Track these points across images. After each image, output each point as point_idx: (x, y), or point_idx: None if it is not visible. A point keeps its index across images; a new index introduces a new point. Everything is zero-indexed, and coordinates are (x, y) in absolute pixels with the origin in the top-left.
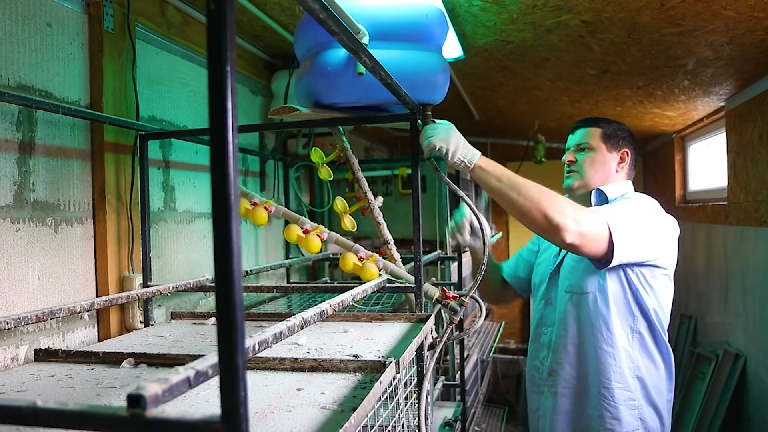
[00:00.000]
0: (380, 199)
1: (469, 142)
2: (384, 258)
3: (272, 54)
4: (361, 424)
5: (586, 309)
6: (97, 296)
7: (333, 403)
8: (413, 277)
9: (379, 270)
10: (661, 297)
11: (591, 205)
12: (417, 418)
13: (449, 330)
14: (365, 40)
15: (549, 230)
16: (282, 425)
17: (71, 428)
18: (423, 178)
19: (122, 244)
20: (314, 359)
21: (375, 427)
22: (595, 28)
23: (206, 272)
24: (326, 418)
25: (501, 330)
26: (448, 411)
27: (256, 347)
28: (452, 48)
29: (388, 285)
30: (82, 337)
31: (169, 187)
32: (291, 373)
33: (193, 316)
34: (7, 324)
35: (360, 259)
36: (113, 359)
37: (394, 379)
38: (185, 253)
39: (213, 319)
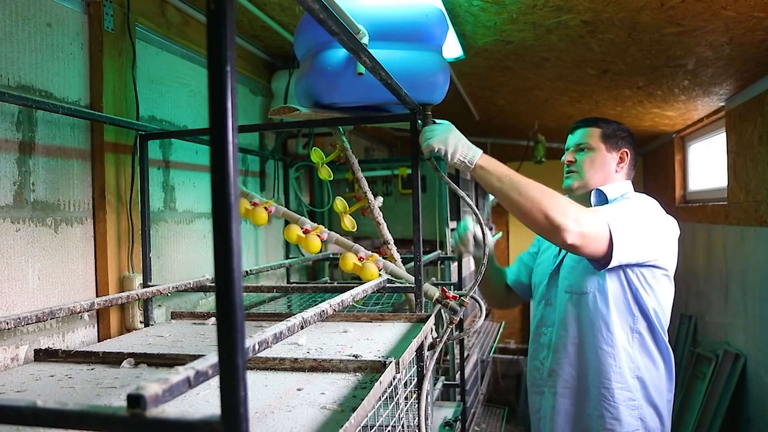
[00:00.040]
0: (380, 199)
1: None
2: (384, 258)
3: (272, 54)
4: (361, 424)
5: (586, 309)
6: (97, 296)
7: (333, 403)
8: (413, 277)
9: (379, 270)
10: (661, 297)
11: (591, 206)
12: (417, 418)
13: (449, 330)
14: (365, 40)
15: (550, 231)
16: (282, 425)
17: (71, 428)
18: (423, 178)
19: (122, 244)
20: (314, 359)
21: (375, 427)
22: (595, 28)
23: (206, 272)
24: (326, 418)
25: (501, 330)
26: (448, 411)
27: (256, 347)
28: (452, 48)
29: (388, 285)
30: (82, 337)
31: (169, 187)
32: (291, 373)
33: (193, 316)
34: (7, 324)
35: (360, 259)
36: (113, 359)
37: (394, 379)
38: (185, 253)
39: (213, 319)
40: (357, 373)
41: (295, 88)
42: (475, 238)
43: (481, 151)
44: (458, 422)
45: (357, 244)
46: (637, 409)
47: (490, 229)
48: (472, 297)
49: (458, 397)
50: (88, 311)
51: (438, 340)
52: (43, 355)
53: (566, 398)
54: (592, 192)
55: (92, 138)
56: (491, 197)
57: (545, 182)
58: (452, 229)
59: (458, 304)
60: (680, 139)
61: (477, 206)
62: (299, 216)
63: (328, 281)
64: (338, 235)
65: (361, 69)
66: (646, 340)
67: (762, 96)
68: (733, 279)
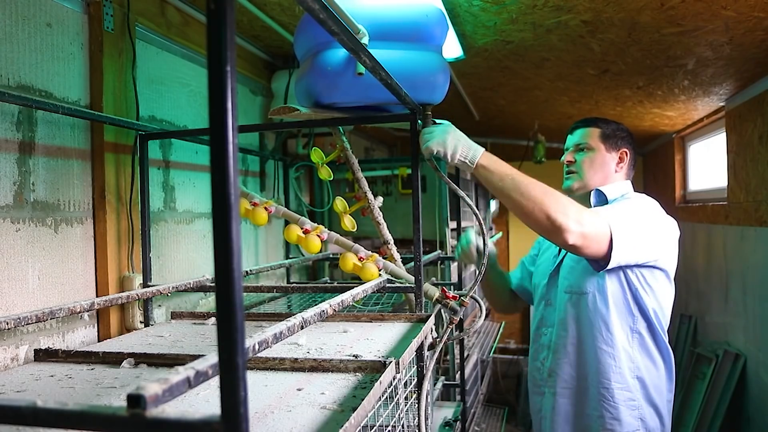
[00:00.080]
0: (380, 199)
1: None
2: (384, 258)
3: (272, 54)
4: (361, 424)
5: (586, 309)
6: (97, 296)
7: (333, 403)
8: (413, 277)
9: (379, 270)
10: (660, 297)
11: (591, 206)
12: (417, 418)
13: (449, 330)
14: (365, 40)
15: (551, 231)
16: (282, 425)
17: (71, 428)
18: (423, 178)
19: (122, 244)
20: (314, 359)
21: (375, 427)
22: (595, 28)
23: (206, 272)
24: (326, 418)
25: (501, 330)
26: (448, 411)
27: (256, 347)
28: (452, 48)
29: (388, 285)
30: (82, 337)
31: (169, 187)
32: (291, 373)
33: (193, 316)
34: (7, 324)
35: (360, 259)
36: (113, 359)
37: (394, 379)
38: (185, 253)
39: (213, 319)
40: (357, 373)
41: (295, 88)
42: (477, 249)
43: (483, 149)
44: (458, 422)
45: (357, 244)
46: (637, 409)
47: (490, 229)
48: (472, 297)
49: (458, 397)
50: (88, 311)
51: (438, 340)
52: (43, 355)
53: (566, 398)
54: (592, 192)
55: (92, 138)
56: (493, 206)
57: (545, 182)
58: (452, 229)
59: (458, 304)
60: (680, 139)
61: (477, 206)
62: (299, 216)
63: (328, 281)
64: (338, 235)
65: (361, 69)
66: (646, 341)
67: (762, 96)
68: (733, 279)
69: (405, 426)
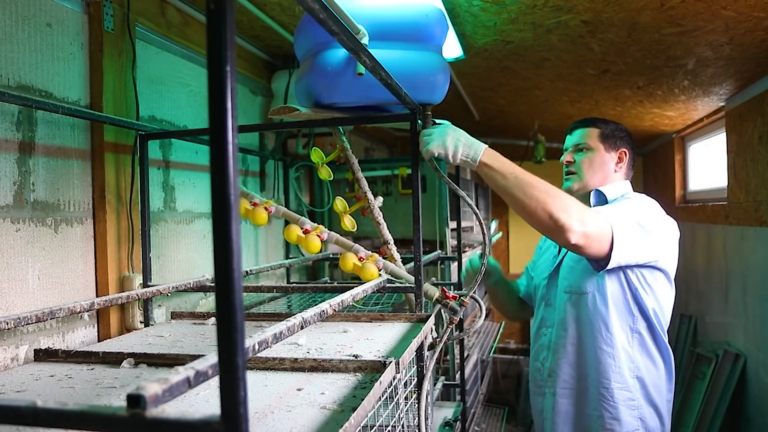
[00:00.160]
0: (380, 199)
1: None
2: (384, 258)
3: (272, 54)
4: (361, 424)
5: (586, 309)
6: (97, 296)
7: (333, 403)
8: (413, 277)
9: (379, 270)
10: (660, 297)
11: (590, 207)
12: (417, 418)
13: (449, 330)
14: (365, 41)
15: (554, 230)
16: (282, 425)
17: (71, 428)
18: (423, 178)
19: (122, 244)
20: (314, 359)
21: (375, 427)
22: (595, 28)
23: (206, 272)
24: (326, 418)
25: (501, 330)
26: (448, 411)
27: (256, 347)
28: (452, 48)
29: (388, 285)
30: (82, 337)
31: (169, 187)
32: (291, 373)
33: (193, 316)
34: (7, 324)
35: (360, 259)
36: (113, 359)
37: (394, 379)
38: (185, 253)
39: (213, 319)
40: (357, 373)
41: (295, 88)
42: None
43: (485, 146)
44: (458, 422)
45: (357, 244)
46: (636, 409)
47: (491, 221)
48: (472, 297)
49: (458, 397)
50: (88, 311)
51: (438, 340)
52: (43, 355)
53: (565, 398)
54: (592, 193)
55: (92, 138)
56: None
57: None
58: (452, 229)
59: (458, 304)
60: (680, 139)
61: (477, 206)
62: (299, 216)
63: (328, 281)
64: (338, 235)
65: (361, 69)
66: (646, 340)
67: (762, 96)
68: (733, 279)
69: (405, 426)
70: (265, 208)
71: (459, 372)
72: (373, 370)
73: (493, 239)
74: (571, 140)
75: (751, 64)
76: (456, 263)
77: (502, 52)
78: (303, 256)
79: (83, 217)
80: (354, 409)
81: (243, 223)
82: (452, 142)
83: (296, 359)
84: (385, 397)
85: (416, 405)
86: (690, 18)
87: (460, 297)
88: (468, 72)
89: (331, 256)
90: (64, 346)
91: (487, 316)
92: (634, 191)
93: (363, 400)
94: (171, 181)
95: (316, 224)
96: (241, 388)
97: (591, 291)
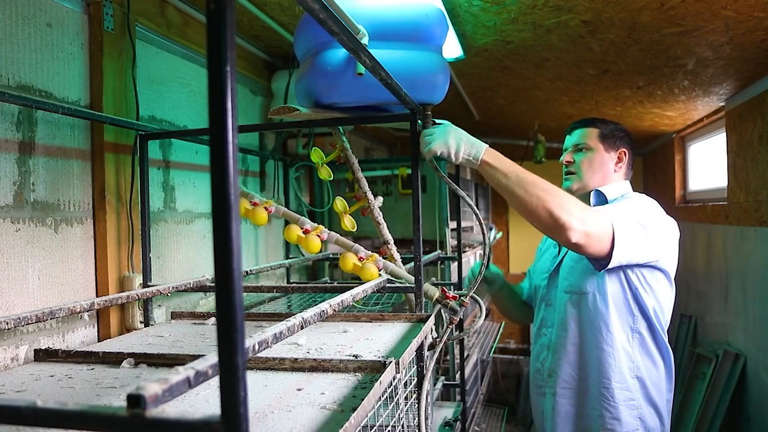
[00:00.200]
0: (380, 199)
1: None
2: (384, 258)
3: (272, 54)
4: (361, 424)
5: (586, 309)
6: (97, 296)
7: (333, 403)
8: (413, 277)
9: (379, 270)
10: (660, 297)
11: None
12: (417, 418)
13: (449, 330)
14: (365, 40)
15: (555, 229)
16: (282, 425)
17: (71, 428)
18: (423, 178)
19: (122, 244)
20: (314, 359)
21: (375, 427)
22: (595, 28)
23: (206, 272)
24: (326, 418)
25: (501, 330)
26: (448, 411)
27: (256, 347)
28: (452, 48)
29: (388, 285)
30: (82, 337)
31: (169, 187)
32: (291, 373)
33: (193, 316)
34: (7, 324)
35: (360, 259)
36: (113, 359)
37: (394, 379)
38: (185, 253)
39: (213, 319)
40: (357, 373)
41: (295, 88)
42: (486, 278)
43: (486, 145)
44: (458, 422)
45: (357, 244)
46: (636, 408)
47: (490, 229)
48: (472, 297)
49: (458, 397)
50: (88, 311)
51: (438, 340)
52: (43, 355)
53: (566, 398)
54: (592, 193)
55: (92, 138)
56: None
57: None
58: (452, 229)
59: (458, 304)
60: (680, 139)
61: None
62: (299, 216)
63: (328, 281)
64: (338, 235)
65: (361, 69)
66: (646, 340)
67: (762, 96)
68: (733, 279)
69: (405, 426)
70: (265, 208)
71: (459, 372)
72: (373, 370)
73: (493, 239)
74: (570, 140)
75: (751, 64)
76: (456, 263)
77: (502, 52)
78: (303, 256)
79: (83, 217)
80: (354, 409)
81: (243, 223)
82: (455, 140)
83: (296, 359)
84: (385, 397)
85: (416, 405)
86: (690, 18)
87: (460, 297)
88: (468, 72)
89: (331, 256)
90: (64, 346)
91: (487, 316)
92: (633, 191)
93: (363, 400)
94: (171, 181)
95: (316, 224)
96: (241, 388)
97: (591, 291)
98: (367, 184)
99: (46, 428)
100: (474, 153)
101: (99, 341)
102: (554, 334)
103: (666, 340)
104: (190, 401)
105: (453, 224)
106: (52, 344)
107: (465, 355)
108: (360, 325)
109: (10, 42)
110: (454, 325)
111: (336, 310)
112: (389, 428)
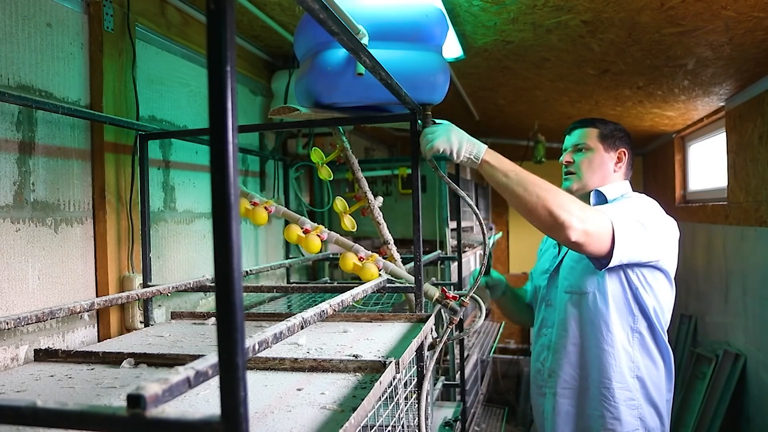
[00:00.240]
0: (380, 199)
1: None
2: (384, 258)
3: (272, 54)
4: (361, 424)
5: (586, 309)
6: (97, 296)
7: (333, 403)
8: (413, 277)
9: (379, 270)
10: (660, 297)
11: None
12: (417, 418)
13: (449, 330)
14: (365, 41)
15: (554, 227)
16: (282, 425)
17: (71, 428)
18: (423, 178)
19: (122, 244)
20: (314, 359)
21: (375, 427)
22: (595, 28)
23: (206, 272)
24: (326, 418)
25: (501, 330)
26: (448, 411)
27: (256, 347)
28: (452, 48)
29: (388, 285)
30: (82, 337)
31: (169, 187)
32: (291, 373)
33: (193, 316)
34: (7, 324)
35: (360, 259)
36: (113, 359)
37: (394, 379)
38: (185, 253)
39: (213, 319)
40: (357, 373)
41: (295, 88)
42: (487, 284)
43: (486, 146)
44: (458, 422)
45: (357, 244)
46: (636, 408)
47: (490, 229)
48: (472, 297)
49: (458, 397)
50: (88, 311)
51: (438, 340)
52: (43, 355)
53: (566, 398)
54: (591, 193)
55: (92, 138)
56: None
57: None
58: (452, 229)
59: (458, 304)
60: (680, 139)
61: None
62: (299, 216)
63: (328, 281)
64: (338, 235)
65: (361, 69)
66: (646, 340)
67: (762, 96)
68: (733, 279)
69: (405, 426)
70: (265, 208)
71: (459, 372)
72: (373, 370)
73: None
74: (570, 140)
75: (751, 64)
76: (456, 263)
77: (502, 52)
78: (303, 256)
79: (83, 217)
80: (354, 409)
81: (243, 223)
82: (457, 139)
83: (296, 359)
84: (385, 397)
85: (416, 405)
86: (690, 18)
87: (460, 297)
88: (468, 72)
89: (331, 256)
90: (64, 346)
91: (487, 316)
92: (633, 191)
93: (363, 400)
94: (171, 181)
95: (316, 224)
96: (241, 388)
97: (591, 291)
98: (367, 184)
99: (46, 428)
100: (475, 152)
101: (99, 341)
102: (554, 334)
103: (666, 339)
104: (190, 401)
105: (453, 224)
106: (52, 344)
107: (465, 355)
108: (360, 325)
109: (10, 42)
110: (454, 325)
111: (336, 310)
112: (389, 428)
